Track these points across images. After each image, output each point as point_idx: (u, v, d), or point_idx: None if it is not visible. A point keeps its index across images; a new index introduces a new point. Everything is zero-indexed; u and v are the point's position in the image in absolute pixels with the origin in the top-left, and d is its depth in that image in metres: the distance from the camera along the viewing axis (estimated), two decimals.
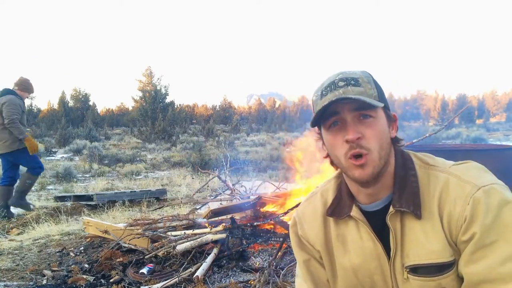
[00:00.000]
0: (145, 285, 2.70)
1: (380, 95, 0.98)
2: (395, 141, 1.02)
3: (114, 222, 4.46)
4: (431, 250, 0.95)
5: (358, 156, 0.94)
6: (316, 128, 1.03)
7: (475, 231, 0.89)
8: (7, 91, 5.31)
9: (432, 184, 0.98)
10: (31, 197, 6.80)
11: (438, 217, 0.95)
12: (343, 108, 0.94)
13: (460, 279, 0.94)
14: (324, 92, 0.97)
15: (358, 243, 1.05)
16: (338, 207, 1.08)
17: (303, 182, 4.19)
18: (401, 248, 0.99)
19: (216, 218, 3.63)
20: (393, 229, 0.99)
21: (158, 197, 6.38)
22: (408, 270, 0.98)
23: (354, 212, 1.03)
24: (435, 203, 0.96)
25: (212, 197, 5.29)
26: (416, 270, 0.97)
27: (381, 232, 1.02)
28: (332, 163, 1.04)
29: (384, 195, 1.01)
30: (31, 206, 5.55)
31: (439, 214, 0.95)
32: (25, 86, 5.48)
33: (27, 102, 5.97)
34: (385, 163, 0.97)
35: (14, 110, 5.14)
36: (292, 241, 1.20)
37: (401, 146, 1.05)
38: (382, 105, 0.95)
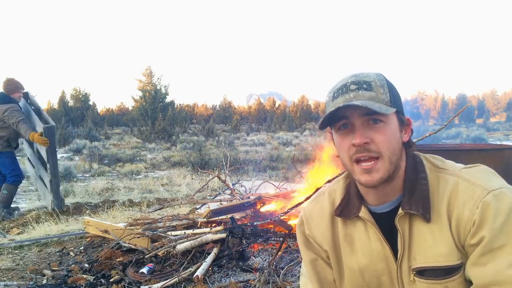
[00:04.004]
0: (145, 285, 2.70)
1: (393, 99, 0.96)
2: (407, 145, 1.01)
3: (114, 222, 4.46)
4: (438, 253, 0.95)
5: (365, 160, 0.94)
6: (328, 128, 1.03)
7: (484, 235, 0.88)
8: (5, 100, 5.25)
9: (442, 187, 0.97)
10: (31, 196, 6.80)
11: (447, 220, 0.94)
12: (352, 112, 0.94)
13: (467, 282, 0.94)
14: (335, 95, 0.97)
15: (365, 244, 1.05)
16: (346, 208, 1.07)
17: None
18: (408, 251, 0.99)
19: (216, 218, 3.63)
20: (401, 231, 0.99)
21: None
22: (414, 272, 0.98)
23: (363, 213, 1.03)
24: (444, 206, 0.95)
25: (212, 197, 5.29)
26: (422, 272, 0.97)
27: (389, 233, 1.02)
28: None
29: (394, 197, 1.01)
30: (14, 214, 5.26)
31: (447, 217, 0.95)
32: (11, 88, 5.35)
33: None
34: (395, 168, 0.96)
35: (18, 113, 5.21)
36: (299, 240, 1.20)
37: (413, 150, 1.04)
38: (392, 111, 0.93)
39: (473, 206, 0.91)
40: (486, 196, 0.90)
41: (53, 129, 5.27)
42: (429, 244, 0.96)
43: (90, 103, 42.92)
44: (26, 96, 5.62)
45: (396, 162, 0.96)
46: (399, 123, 0.98)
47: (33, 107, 5.65)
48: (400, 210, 0.98)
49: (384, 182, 0.96)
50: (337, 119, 0.96)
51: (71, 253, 3.60)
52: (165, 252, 3.08)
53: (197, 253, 3.07)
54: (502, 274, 0.86)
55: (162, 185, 7.83)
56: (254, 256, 3.10)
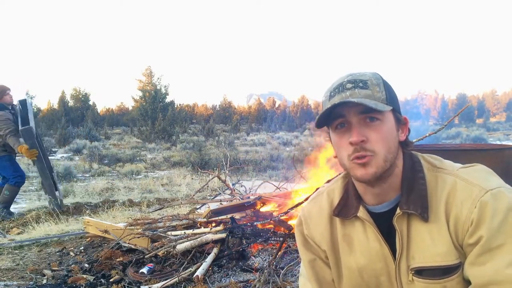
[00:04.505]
0: (145, 285, 2.70)
1: (390, 98, 0.97)
2: (404, 144, 1.01)
3: (114, 222, 4.46)
4: (436, 253, 0.95)
5: (361, 156, 0.95)
6: (325, 127, 1.03)
7: (482, 234, 0.88)
8: None
9: (440, 186, 0.97)
10: (31, 196, 6.80)
11: (445, 220, 0.95)
12: (349, 111, 0.95)
13: (466, 281, 0.94)
14: (332, 94, 0.98)
15: (364, 244, 1.05)
16: (344, 208, 1.07)
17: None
18: (406, 250, 0.99)
19: (216, 218, 3.63)
20: (399, 231, 0.99)
21: None
22: (413, 272, 0.98)
23: (361, 212, 1.03)
24: (442, 206, 0.95)
25: (212, 197, 5.29)
26: (421, 272, 0.97)
27: (388, 233, 1.02)
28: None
29: (392, 197, 1.01)
30: (14, 214, 5.28)
31: (445, 217, 0.95)
32: None
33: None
34: (390, 166, 0.96)
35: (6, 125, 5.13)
36: (298, 240, 1.20)
37: (411, 150, 1.04)
38: (388, 109, 0.94)
39: (471, 205, 0.91)
40: (484, 195, 0.90)
41: (31, 131, 5.10)
42: (427, 243, 0.96)
43: (90, 103, 42.92)
44: (24, 103, 5.44)
45: (392, 160, 0.96)
46: (395, 122, 0.98)
47: (27, 114, 5.38)
48: (398, 210, 0.98)
49: (379, 179, 0.96)
50: (333, 118, 0.97)
51: (71, 253, 3.60)
52: (165, 252, 3.08)
53: (197, 253, 3.07)
54: (500, 274, 0.86)
55: (162, 185, 7.83)
56: (254, 256, 3.10)
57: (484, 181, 0.93)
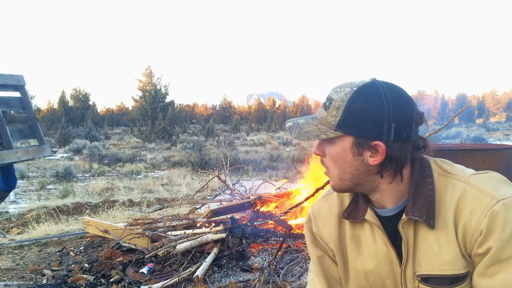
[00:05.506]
0: (145, 285, 2.70)
1: (345, 123, 0.92)
2: (382, 167, 0.94)
3: (114, 222, 4.46)
4: (443, 261, 0.93)
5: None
6: None
7: (491, 245, 0.86)
8: None
9: (450, 193, 0.94)
10: (31, 196, 6.80)
11: (453, 228, 0.92)
12: None
13: None
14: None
15: (372, 246, 1.04)
16: (354, 210, 1.06)
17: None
18: (413, 256, 0.97)
19: (216, 218, 3.63)
20: (405, 237, 0.97)
21: None
22: (419, 279, 0.97)
23: (369, 215, 1.02)
24: (450, 213, 0.93)
25: (212, 197, 5.29)
26: (427, 280, 0.96)
27: (395, 237, 1.00)
28: None
29: (399, 201, 0.99)
30: None
31: (454, 225, 0.92)
32: None
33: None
34: (356, 185, 0.98)
35: None
36: (306, 236, 1.20)
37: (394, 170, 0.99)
38: (324, 137, 0.94)
39: (481, 215, 0.88)
40: (495, 205, 0.87)
41: None
42: (435, 251, 0.94)
43: (90, 103, 42.95)
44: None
45: (354, 181, 0.97)
46: (354, 147, 0.93)
47: None
48: (403, 216, 0.96)
49: (343, 191, 1.02)
50: None
51: (71, 253, 3.60)
52: (165, 252, 3.08)
53: (197, 253, 3.07)
54: (510, 286, 0.84)
55: (162, 185, 7.83)
56: (254, 256, 3.10)
57: (495, 190, 0.90)
